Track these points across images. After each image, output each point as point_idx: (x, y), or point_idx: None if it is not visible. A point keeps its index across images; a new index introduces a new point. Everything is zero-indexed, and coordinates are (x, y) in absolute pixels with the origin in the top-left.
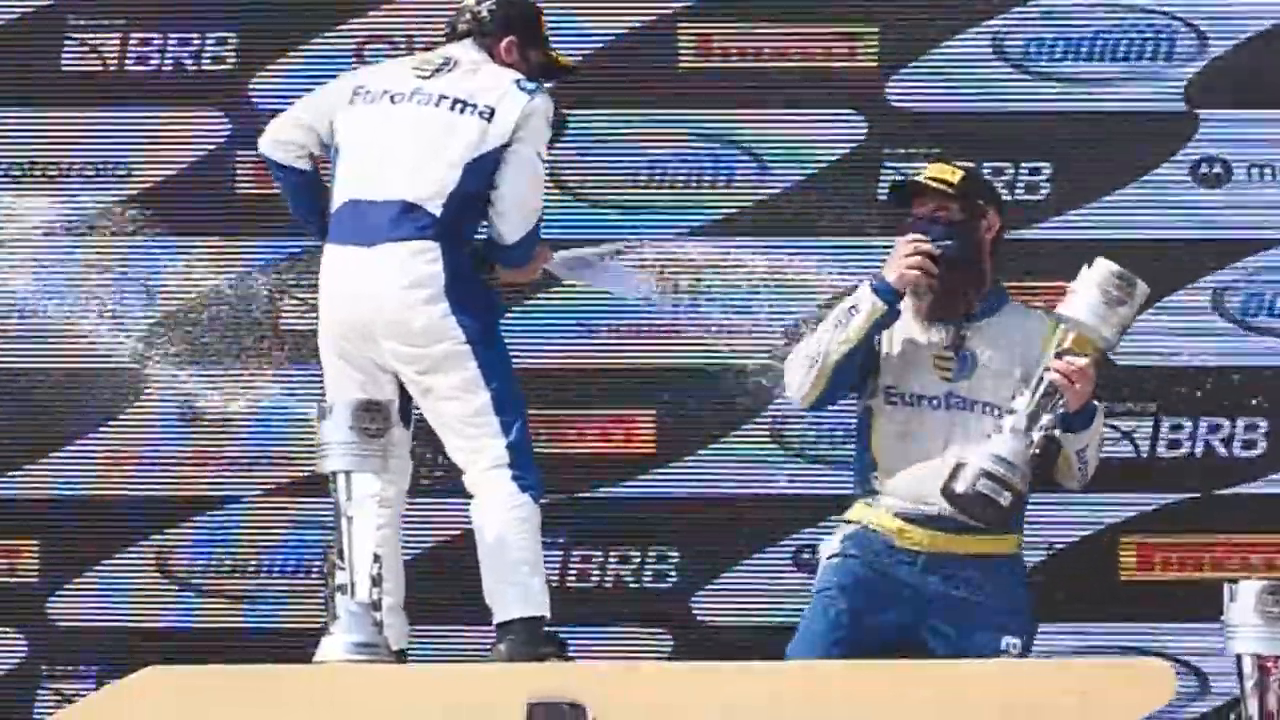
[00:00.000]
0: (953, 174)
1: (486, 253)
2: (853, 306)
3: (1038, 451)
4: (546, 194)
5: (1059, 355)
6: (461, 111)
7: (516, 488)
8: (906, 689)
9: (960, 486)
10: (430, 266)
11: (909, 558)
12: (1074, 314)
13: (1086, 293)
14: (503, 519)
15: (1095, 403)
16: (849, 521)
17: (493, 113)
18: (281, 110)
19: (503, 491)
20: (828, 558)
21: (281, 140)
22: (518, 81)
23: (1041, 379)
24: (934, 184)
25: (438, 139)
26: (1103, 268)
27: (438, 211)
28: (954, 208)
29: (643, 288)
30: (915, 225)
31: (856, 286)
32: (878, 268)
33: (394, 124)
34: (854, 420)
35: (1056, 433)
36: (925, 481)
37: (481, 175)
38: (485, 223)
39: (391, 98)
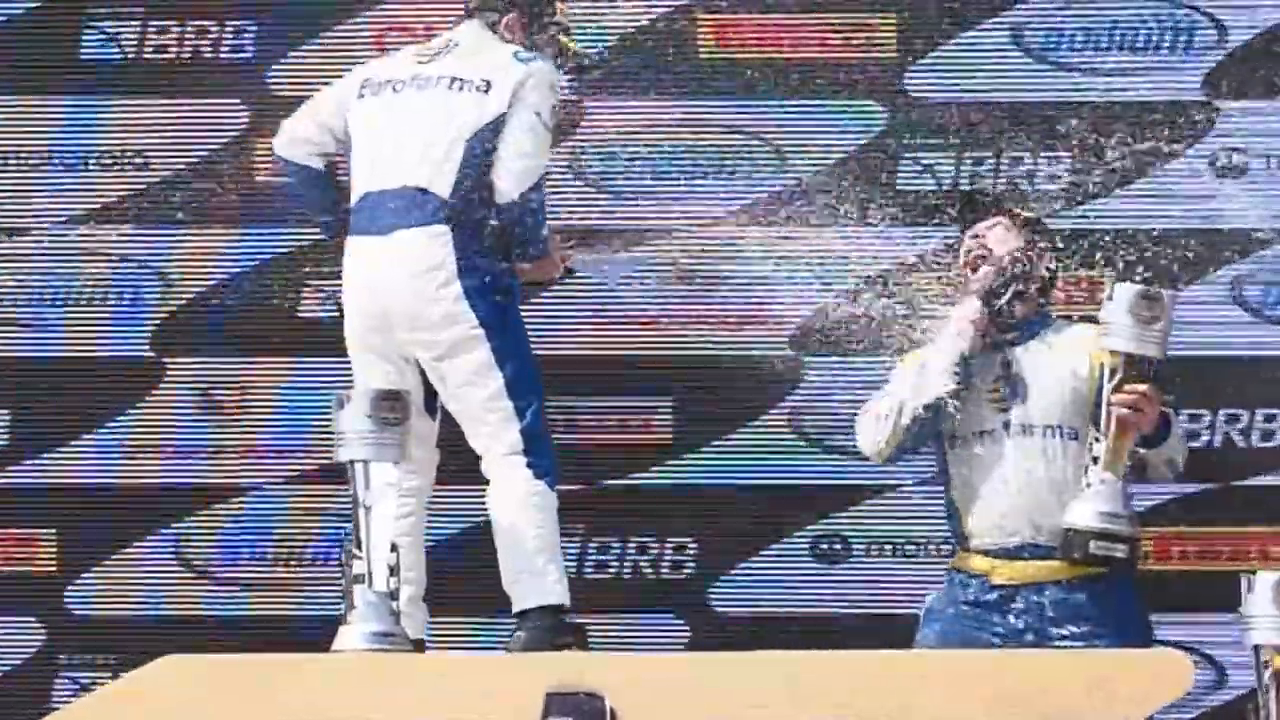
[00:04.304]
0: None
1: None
2: (923, 365)
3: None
4: (567, 184)
5: (1116, 389)
6: (460, 90)
7: (531, 474)
8: (923, 679)
9: (1077, 554)
10: (441, 251)
11: (1007, 595)
12: (1117, 345)
13: (1120, 321)
14: (518, 506)
15: (1169, 411)
16: (951, 569)
17: (489, 85)
18: (301, 100)
19: (518, 478)
20: (927, 610)
21: (297, 138)
22: (516, 53)
23: (1110, 416)
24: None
25: (438, 121)
26: (1126, 293)
27: (446, 194)
28: (1012, 227)
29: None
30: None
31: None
32: (896, 257)
33: (396, 112)
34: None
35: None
36: (1004, 515)
37: (484, 147)
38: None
39: (393, 87)
